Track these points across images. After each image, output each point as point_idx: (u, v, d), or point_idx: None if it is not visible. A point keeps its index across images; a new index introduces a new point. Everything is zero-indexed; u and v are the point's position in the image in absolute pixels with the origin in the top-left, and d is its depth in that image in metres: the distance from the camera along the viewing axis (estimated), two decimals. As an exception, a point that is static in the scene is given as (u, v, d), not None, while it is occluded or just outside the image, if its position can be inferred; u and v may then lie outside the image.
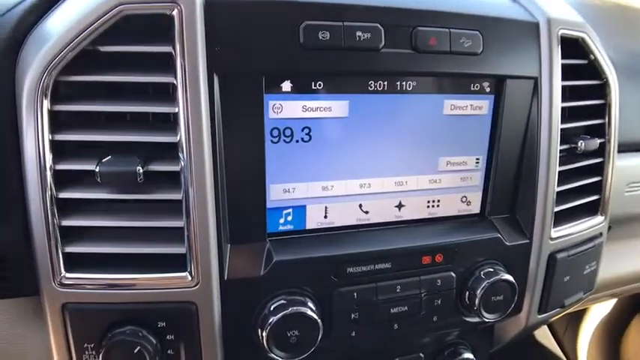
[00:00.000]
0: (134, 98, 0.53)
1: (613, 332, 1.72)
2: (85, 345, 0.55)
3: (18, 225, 0.54)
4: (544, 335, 1.80)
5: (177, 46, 0.50)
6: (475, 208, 0.71)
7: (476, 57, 0.62)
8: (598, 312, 1.73)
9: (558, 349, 1.79)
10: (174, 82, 0.51)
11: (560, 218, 0.73)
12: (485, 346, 0.82)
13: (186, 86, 0.51)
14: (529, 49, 0.65)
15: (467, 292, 0.67)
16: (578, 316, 1.74)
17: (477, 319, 0.71)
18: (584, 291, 0.79)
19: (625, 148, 0.86)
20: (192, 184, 0.52)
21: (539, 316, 0.75)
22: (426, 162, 0.66)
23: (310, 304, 0.59)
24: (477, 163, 0.69)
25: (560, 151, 0.70)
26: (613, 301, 1.72)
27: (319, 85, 0.58)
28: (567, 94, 0.70)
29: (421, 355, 0.77)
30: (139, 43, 0.51)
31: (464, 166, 0.68)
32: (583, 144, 0.72)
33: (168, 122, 0.53)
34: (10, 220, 0.54)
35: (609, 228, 0.93)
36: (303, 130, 0.59)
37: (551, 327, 1.82)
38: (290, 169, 0.60)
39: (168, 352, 0.57)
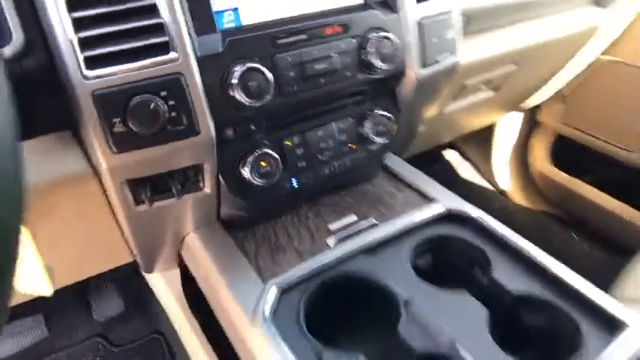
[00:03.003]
0: None
1: (519, 152, 2.12)
2: (114, 120, 0.80)
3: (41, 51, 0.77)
4: (461, 165, 2.19)
5: None
6: (358, -1, 1.01)
7: None
8: (503, 136, 2.12)
9: (477, 175, 2.18)
10: None
11: None
12: (395, 107, 1.13)
13: None
14: None
15: (366, 52, 0.97)
16: (486, 140, 2.12)
17: (377, 75, 1.01)
18: (449, 52, 1.11)
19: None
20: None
21: (423, 70, 1.07)
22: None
23: (261, 66, 0.87)
24: None
25: None
26: (516, 127, 2.11)
27: None
28: None
29: (350, 118, 1.08)
30: None
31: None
32: None
33: None
34: (38, 47, 0.77)
35: (468, 18, 1.27)
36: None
37: (462, 153, 2.20)
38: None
39: (172, 114, 0.83)
